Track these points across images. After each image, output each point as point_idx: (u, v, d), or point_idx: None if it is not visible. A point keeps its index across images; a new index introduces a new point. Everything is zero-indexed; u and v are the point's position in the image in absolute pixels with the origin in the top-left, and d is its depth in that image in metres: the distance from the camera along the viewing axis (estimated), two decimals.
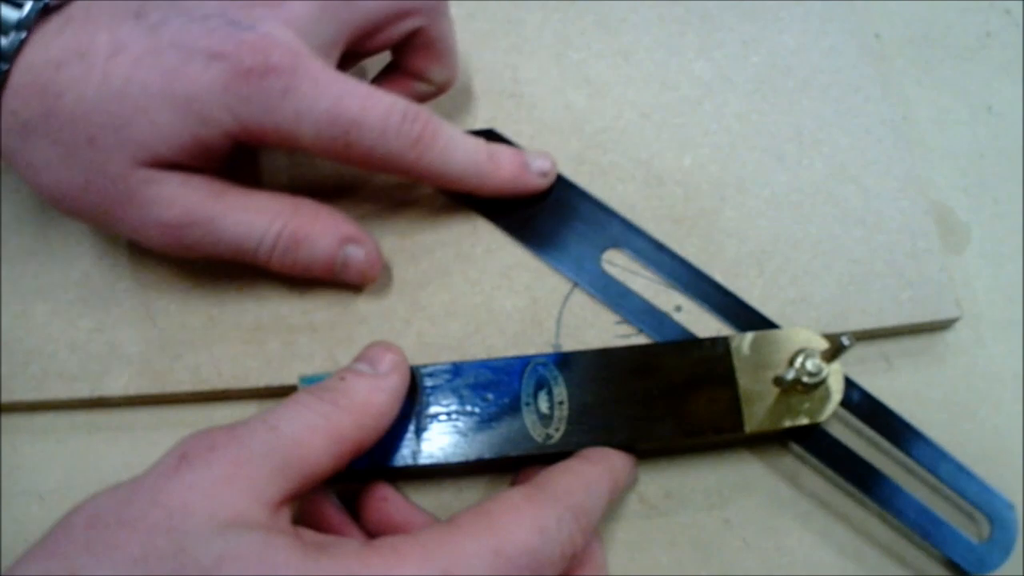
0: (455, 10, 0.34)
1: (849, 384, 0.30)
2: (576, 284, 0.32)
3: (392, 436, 0.28)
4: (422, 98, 0.33)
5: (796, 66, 0.37)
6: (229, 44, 0.25)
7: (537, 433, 0.28)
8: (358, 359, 0.27)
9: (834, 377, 0.29)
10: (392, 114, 0.27)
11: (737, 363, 0.29)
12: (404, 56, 0.31)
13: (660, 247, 0.33)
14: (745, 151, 0.35)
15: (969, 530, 0.30)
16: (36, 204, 0.33)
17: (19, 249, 0.33)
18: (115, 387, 0.31)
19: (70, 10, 0.26)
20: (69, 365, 0.31)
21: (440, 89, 0.33)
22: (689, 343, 0.30)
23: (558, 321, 0.32)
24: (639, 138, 0.35)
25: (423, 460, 0.28)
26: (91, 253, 0.33)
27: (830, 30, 0.37)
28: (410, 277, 0.32)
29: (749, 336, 0.30)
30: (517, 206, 0.33)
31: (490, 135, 0.34)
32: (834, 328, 0.32)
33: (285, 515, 0.23)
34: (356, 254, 0.29)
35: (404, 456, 0.28)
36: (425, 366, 0.29)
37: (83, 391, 0.31)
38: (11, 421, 0.32)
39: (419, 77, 0.32)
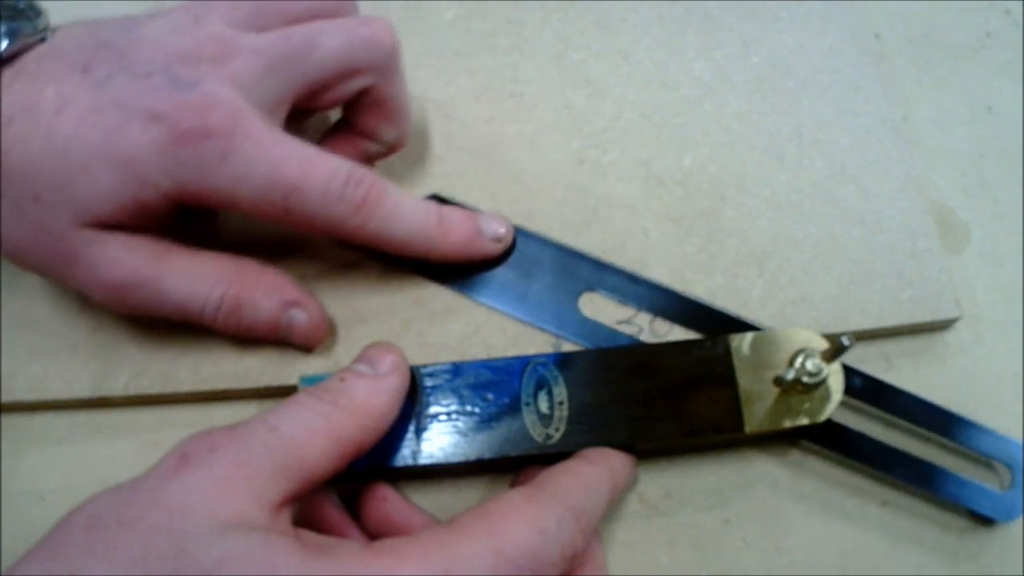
0: (455, 10, 0.34)
1: (849, 372, 0.30)
2: (560, 337, 0.32)
3: (392, 436, 0.28)
4: (372, 158, 0.32)
5: (796, 66, 0.37)
6: (168, 105, 0.25)
7: (537, 433, 0.28)
8: (358, 360, 0.27)
9: (834, 377, 0.29)
10: (334, 179, 0.26)
11: (737, 363, 0.29)
12: (354, 115, 0.30)
13: (635, 279, 0.32)
14: (745, 151, 0.35)
15: (992, 483, 0.31)
16: None
17: None
18: (115, 387, 0.31)
19: (23, 62, 0.26)
20: (69, 365, 0.31)
21: (391, 149, 0.32)
22: (689, 343, 0.30)
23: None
24: (639, 138, 0.35)
25: (423, 460, 0.28)
26: None
27: (830, 30, 0.37)
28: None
29: (749, 336, 0.30)
30: (474, 269, 0.32)
31: (437, 199, 0.33)
32: (834, 328, 0.32)
33: (286, 516, 0.23)
34: (299, 318, 0.29)
35: (404, 456, 0.28)
36: (425, 366, 0.29)
37: (83, 391, 0.31)
38: (11, 421, 0.32)
39: (369, 136, 0.31)
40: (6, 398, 0.31)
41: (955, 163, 0.37)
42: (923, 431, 0.31)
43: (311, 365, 0.31)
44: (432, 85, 0.36)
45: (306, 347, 0.30)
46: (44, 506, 0.30)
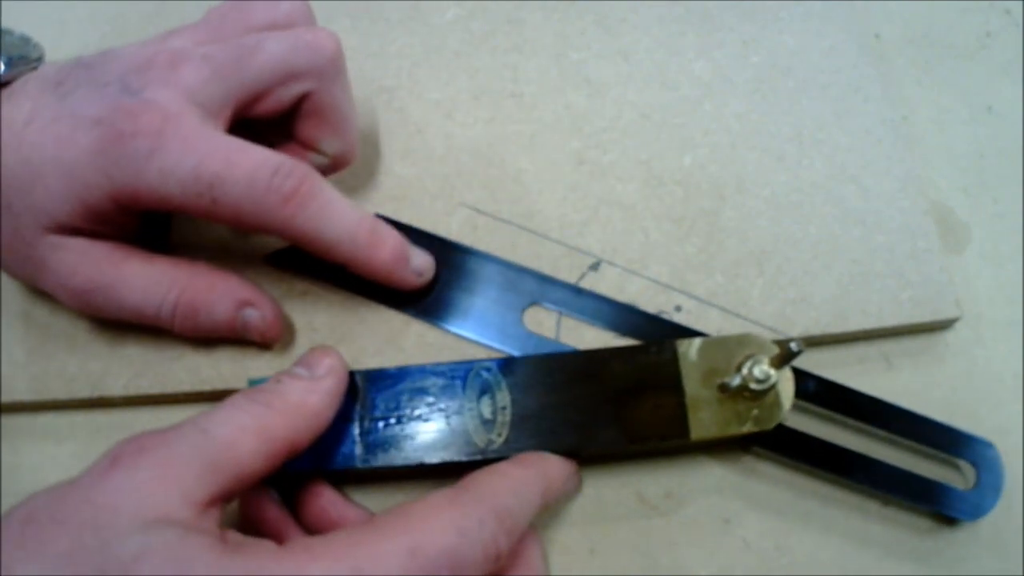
0: (455, 10, 0.34)
1: (803, 375, 0.30)
2: (502, 352, 0.31)
3: (337, 439, 0.28)
4: (321, 172, 0.30)
5: (796, 66, 0.37)
6: (109, 109, 0.26)
7: (479, 438, 0.28)
8: (297, 363, 0.27)
9: (785, 383, 0.29)
10: (261, 168, 0.26)
11: (684, 369, 0.29)
12: (295, 124, 0.30)
13: (579, 291, 0.32)
14: (745, 151, 0.35)
15: (957, 483, 0.31)
16: None
17: None
18: (115, 387, 0.31)
19: (14, 85, 0.28)
20: (69, 365, 0.31)
21: (336, 163, 0.31)
22: (635, 348, 0.30)
23: (558, 322, 0.32)
24: (639, 138, 0.35)
25: (367, 463, 0.28)
26: None
27: (830, 30, 0.38)
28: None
29: (697, 341, 0.29)
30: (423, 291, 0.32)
31: (382, 218, 0.32)
32: (834, 328, 0.32)
33: (213, 515, 0.23)
34: (253, 316, 0.29)
35: (348, 459, 0.28)
36: (371, 370, 0.29)
37: (83, 391, 0.31)
38: (11, 421, 0.32)
39: (311, 147, 0.31)
40: (6, 398, 0.31)
41: (955, 163, 0.37)
42: (884, 432, 0.31)
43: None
44: (432, 85, 0.36)
45: (264, 344, 0.30)
46: None
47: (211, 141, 0.26)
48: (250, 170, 0.26)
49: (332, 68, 0.29)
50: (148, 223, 0.30)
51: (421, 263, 0.31)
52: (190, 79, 0.27)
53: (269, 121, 0.30)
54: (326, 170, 0.31)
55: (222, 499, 0.23)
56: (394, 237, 0.30)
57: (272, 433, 0.24)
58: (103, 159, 0.26)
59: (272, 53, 0.27)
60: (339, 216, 0.28)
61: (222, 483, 0.23)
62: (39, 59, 0.29)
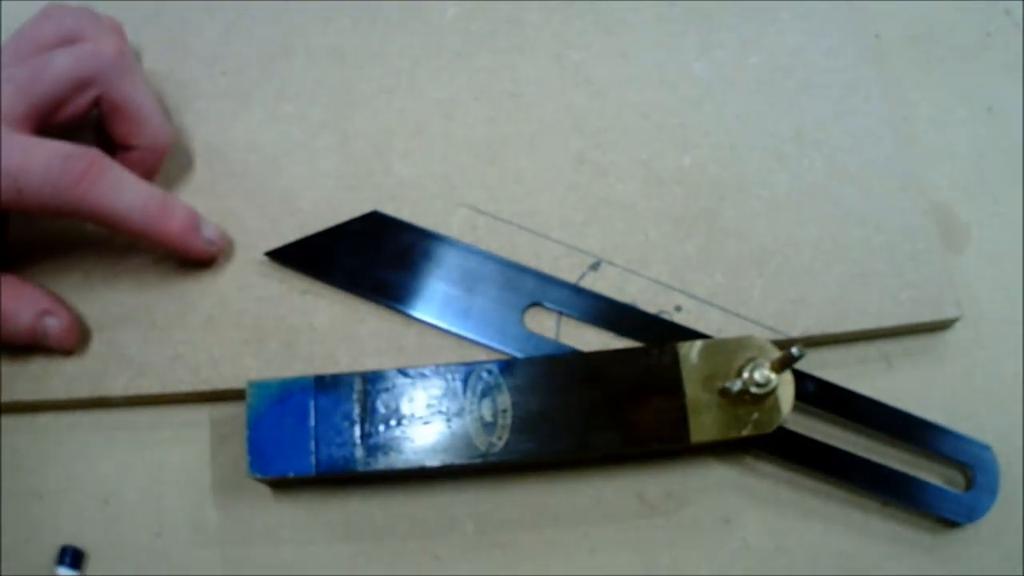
0: (455, 10, 0.34)
1: (802, 377, 0.30)
2: (502, 352, 0.31)
3: (338, 442, 0.28)
4: (144, 166, 0.33)
5: (796, 66, 0.37)
6: None
7: (480, 442, 0.28)
8: None
9: (785, 387, 0.29)
10: (55, 156, 0.29)
11: (685, 372, 0.29)
12: (107, 129, 0.33)
13: (579, 291, 0.32)
14: (745, 151, 0.35)
15: (954, 485, 0.31)
16: None
17: None
18: (115, 387, 0.31)
19: None
20: (69, 365, 0.31)
21: (155, 152, 0.33)
22: (636, 351, 0.30)
23: (558, 322, 0.32)
24: (639, 138, 0.35)
25: (367, 466, 0.28)
26: (92, 253, 0.33)
27: (830, 30, 0.37)
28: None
29: (698, 344, 0.29)
30: (421, 284, 0.32)
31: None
32: (834, 328, 0.32)
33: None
34: (52, 324, 0.31)
35: (349, 462, 0.28)
36: (371, 371, 0.29)
37: (83, 391, 0.31)
38: (11, 421, 0.32)
39: (127, 145, 0.32)
40: (6, 398, 0.31)
41: (955, 163, 0.37)
42: (882, 435, 0.31)
43: (311, 365, 0.31)
44: (432, 85, 0.36)
45: (62, 351, 0.31)
46: (44, 506, 0.30)
47: (12, 142, 0.29)
48: (45, 159, 0.29)
49: (115, 70, 0.31)
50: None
51: (212, 233, 0.32)
52: None
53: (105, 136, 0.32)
54: (148, 160, 0.33)
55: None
56: (183, 209, 0.31)
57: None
58: None
59: (59, 67, 0.30)
60: (129, 190, 0.30)
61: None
62: None
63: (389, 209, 0.34)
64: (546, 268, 0.33)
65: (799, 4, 0.38)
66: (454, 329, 0.32)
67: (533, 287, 0.32)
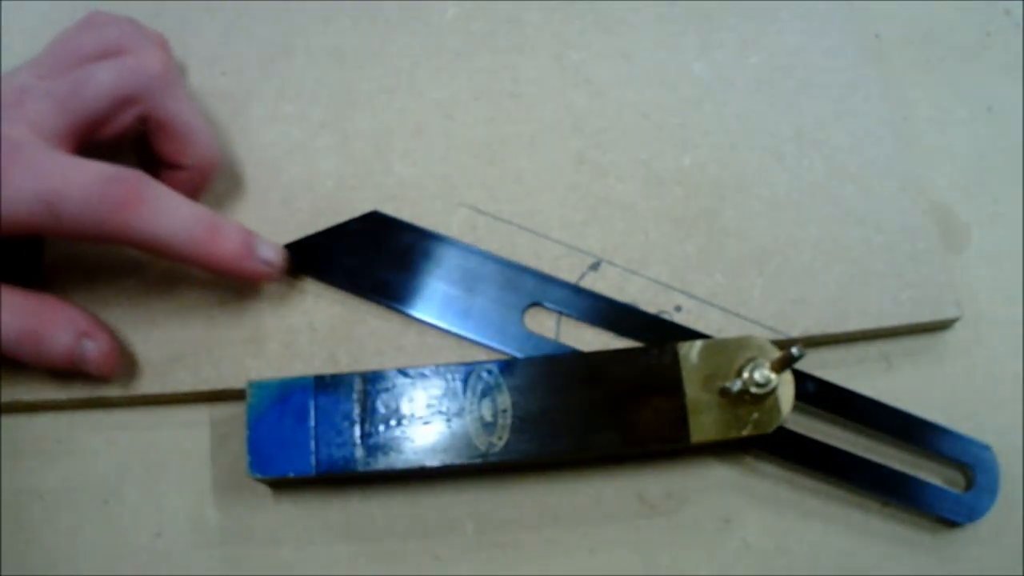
0: (455, 10, 0.34)
1: (802, 377, 0.30)
2: (502, 352, 0.31)
3: (338, 442, 0.28)
4: (190, 185, 0.32)
5: (796, 66, 0.37)
6: None
7: (480, 442, 0.28)
8: None
9: (785, 387, 0.29)
10: (95, 181, 0.27)
11: (685, 372, 0.29)
12: (152, 147, 0.31)
13: (579, 290, 0.32)
14: (745, 151, 0.35)
15: (954, 485, 0.31)
16: None
17: None
18: (115, 387, 0.31)
19: None
20: None
21: (202, 172, 0.32)
22: (636, 351, 0.30)
23: (558, 322, 0.32)
24: (639, 138, 0.35)
25: (367, 466, 0.28)
26: (92, 253, 0.33)
27: (830, 30, 0.37)
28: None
29: (698, 344, 0.29)
30: (421, 284, 0.32)
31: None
32: (834, 328, 0.32)
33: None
34: (91, 348, 0.29)
35: (349, 462, 0.28)
36: (371, 371, 0.29)
37: (83, 391, 0.31)
38: (11, 421, 0.32)
39: (173, 163, 0.31)
40: (6, 398, 0.31)
41: (955, 163, 0.37)
42: (882, 435, 0.31)
43: (311, 365, 0.31)
44: (432, 85, 0.36)
45: (101, 376, 0.30)
46: (44, 506, 0.30)
47: (51, 162, 0.27)
48: (85, 183, 0.27)
49: (160, 85, 0.30)
50: (16, 253, 0.30)
51: (268, 253, 0.30)
52: (34, 113, 0.28)
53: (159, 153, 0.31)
54: (195, 180, 0.32)
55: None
56: (236, 230, 0.30)
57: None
58: None
59: (101, 82, 0.29)
60: (175, 214, 0.28)
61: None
62: None
63: (389, 209, 0.34)
64: (546, 268, 0.33)
65: (799, 4, 0.38)
66: (454, 329, 0.32)
67: (533, 287, 0.32)
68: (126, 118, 0.30)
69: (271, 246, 0.31)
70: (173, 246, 0.28)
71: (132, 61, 0.30)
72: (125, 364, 0.31)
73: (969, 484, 0.30)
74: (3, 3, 0.38)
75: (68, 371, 0.30)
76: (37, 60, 0.30)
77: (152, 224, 0.28)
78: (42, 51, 0.31)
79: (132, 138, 0.31)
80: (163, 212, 0.28)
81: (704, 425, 0.28)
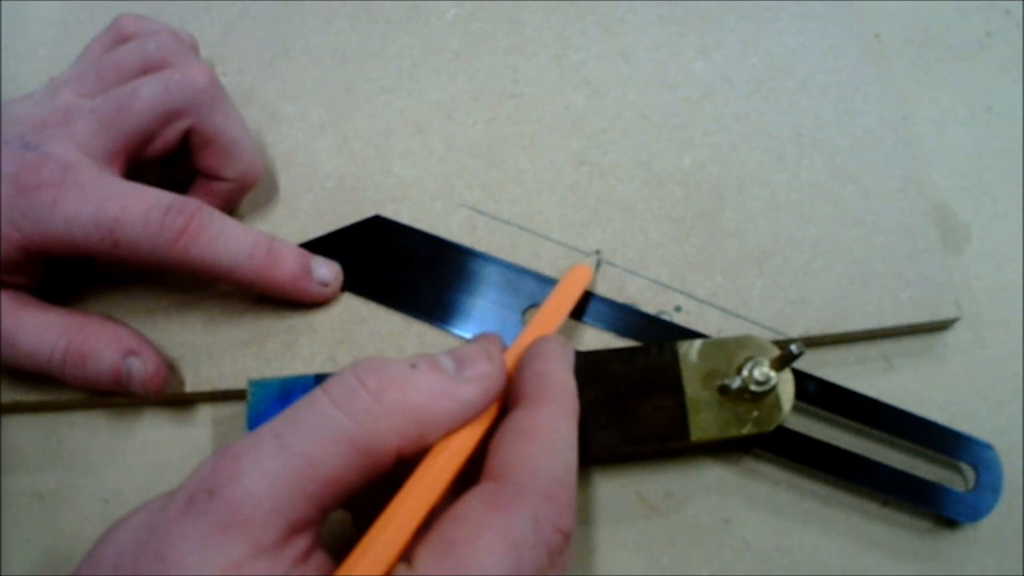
0: (455, 11, 0.34)
1: (803, 376, 0.30)
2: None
3: None
4: (229, 197, 0.32)
5: (796, 66, 0.37)
6: (14, 165, 0.27)
7: None
8: (450, 351, 0.24)
9: (785, 385, 0.29)
10: (154, 209, 0.27)
11: (684, 370, 0.29)
12: (193, 158, 0.31)
13: None
14: (745, 151, 0.35)
15: (957, 484, 0.31)
16: None
17: None
18: None
19: None
20: None
21: (242, 185, 0.32)
22: (636, 350, 0.30)
23: None
24: (639, 138, 0.35)
25: None
26: None
27: (830, 30, 0.37)
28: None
29: (697, 343, 0.29)
30: (417, 285, 0.32)
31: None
32: (834, 328, 0.32)
33: (296, 545, 0.21)
34: (136, 366, 0.29)
35: None
36: None
37: (83, 391, 0.31)
38: (11, 421, 0.32)
39: (214, 176, 0.31)
40: (6, 398, 0.31)
41: (955, 163, 0.37)
42: (883, 435, 0.31)
43: (311, 365, 0.31)
44: (432, 85, 0.36)
45: (147, 394, 0.30)
46: (44, 506, 0.30)
47: (107, 188, 0.28)
48: (143, 212, 0.27)
49: (207, 99, 0.30)
50: (52, 273, 0.31)
51: (325, 274, 0.31)
52: (81, 133, 0.28)
53: (184, 164, 0.31)
54: (236, 193, 0.32)
55: (307, 523, 0.21)
56: (294, 253, 0.30)
57: (370, 442, 0.21)
58: (12, 212, 0.27)
59: (147, 99, 0.29)
60: (232, 242, 0.29)
61: (303, 508, 0.20)
62: None
63: (389, 210, 0.34)
64: (546, 269, 0.33)
65: (799, 4, 0.38)
66: (454, 330, 0.32)
67: (533, 288, 0.32)
68: (172, 134, 0.30)
69: (327, 266, 0.31)
70: (233, 273, 0.29)
71: (177, 75, 0.29)
72: (169, 380, 0.30)
73: (972, 484, 0.30)
74: (2, 3, 0.38)
75: (115, 391, 0.30)
76: (78, 76, 0.30)
77: (212, 253, 0.28)
78: (78, 64, 0.30)
79: (176, 155, 0.31)
80: (223, 240, 0.28)
81: (704, 423, 0.28)
